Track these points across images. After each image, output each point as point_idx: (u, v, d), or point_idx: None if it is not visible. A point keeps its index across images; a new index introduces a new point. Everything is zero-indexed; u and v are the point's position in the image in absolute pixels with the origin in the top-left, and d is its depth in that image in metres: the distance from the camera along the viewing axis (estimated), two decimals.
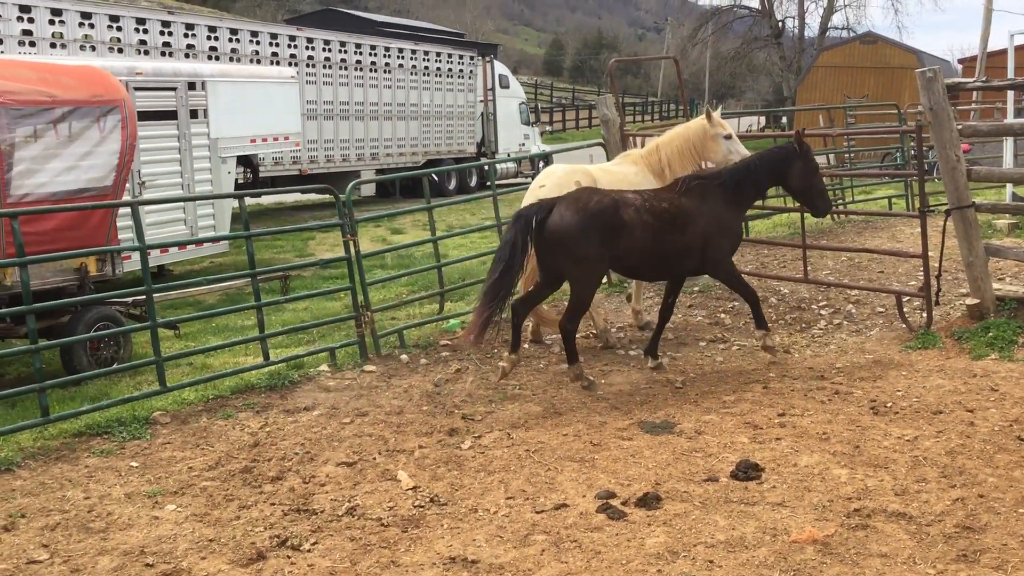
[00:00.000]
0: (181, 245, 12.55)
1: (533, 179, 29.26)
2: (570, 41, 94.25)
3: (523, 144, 30.02)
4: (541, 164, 29.47)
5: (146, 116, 11.81)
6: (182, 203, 12.63)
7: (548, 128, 45.57)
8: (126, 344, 8.98)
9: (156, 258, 12.20)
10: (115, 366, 8.43)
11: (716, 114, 9.00)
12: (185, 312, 10.55)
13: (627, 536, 4.99)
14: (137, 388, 8.12)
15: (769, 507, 5.27)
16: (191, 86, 12.94)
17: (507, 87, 29.70)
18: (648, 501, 5.37)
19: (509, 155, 28.25)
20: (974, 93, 23.44)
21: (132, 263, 10.30)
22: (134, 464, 6.38)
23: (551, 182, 8.74)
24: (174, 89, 12.67)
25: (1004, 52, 17.07)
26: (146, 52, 16.93)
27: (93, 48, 16.02)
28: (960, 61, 45.90)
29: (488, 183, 12.62)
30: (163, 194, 12.15)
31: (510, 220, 7.65)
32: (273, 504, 5.63)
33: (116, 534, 5.31)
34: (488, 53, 29.48)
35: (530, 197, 8.65)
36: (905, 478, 5.58)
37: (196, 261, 14.62)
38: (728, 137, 8.87)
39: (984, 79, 10.89)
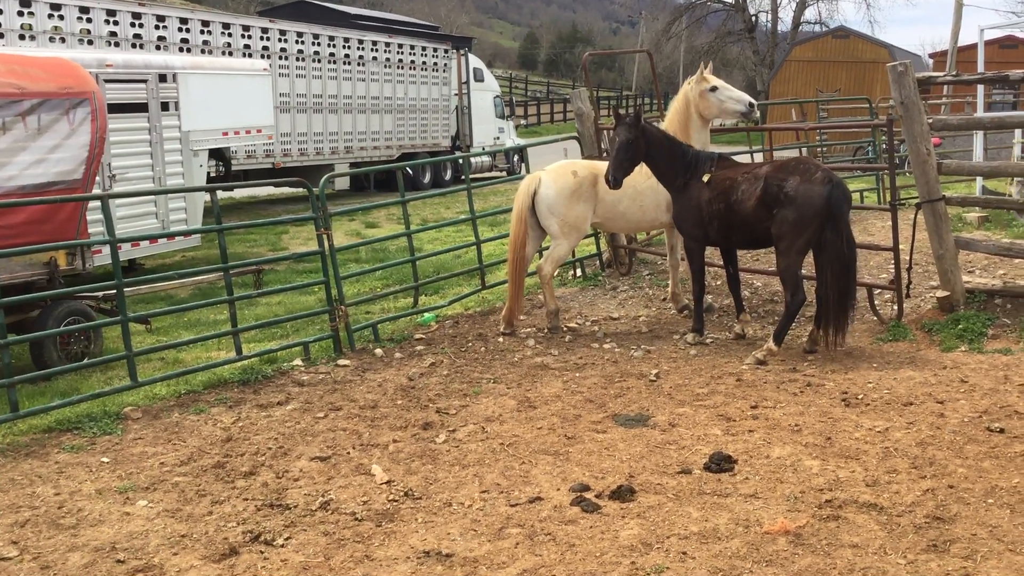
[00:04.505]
0: (152, 239, 12.44)
1: (507, 173, 29.06)
2: (545, 35, 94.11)
3: (498, 138, 29.98)
4: (515, 158, 29.48)
5: (116, 108, 11.68)
6: (153, 196, 12.52)
7: (523, 122, 45.56)
8: (97, 339, 8.90)
9: (127, 252, 12.09)
10: (86, 361, 8.37)
11: (707, 71, 9.25)
12: (156, 307, 10.46)
13: (601, 528, 5.01)
14: (108, 383, 8.05)
15: (742, 499, 5.30)
16: (162, 78, 12.82)
17: (482, 80, 29.64)
18: (622, 493, 5.39)
19: (484, 149, 28.20)
20: (945, 87, 23.66)
21: (102, 257, 10.21)
22: (105, 460, 6.33)
23: (552, 168, 9.44)
24: (145, 81, 12.54)
25: (974, 46, 17.24)
26: (116, 44, 16.74)
27: (63, 40, 15.83)
28: (931, 55, 46.30)
29: (463, 177, 12.60)
30: (134, 187, 12.03)
31: (829, 205, 7.86)
32: (246, 499, 5.61)
33: (87, 530, 5.26)
34: (462, 46, 29.38)
35: (550, 178, 9.30)
36: (876, 469, 5.63)
37: (168, 255, 14.50)
38: (714, 89, 9.20)
39: (955, 73, 10.98)
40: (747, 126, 10.64)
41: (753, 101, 9.27)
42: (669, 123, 9.33)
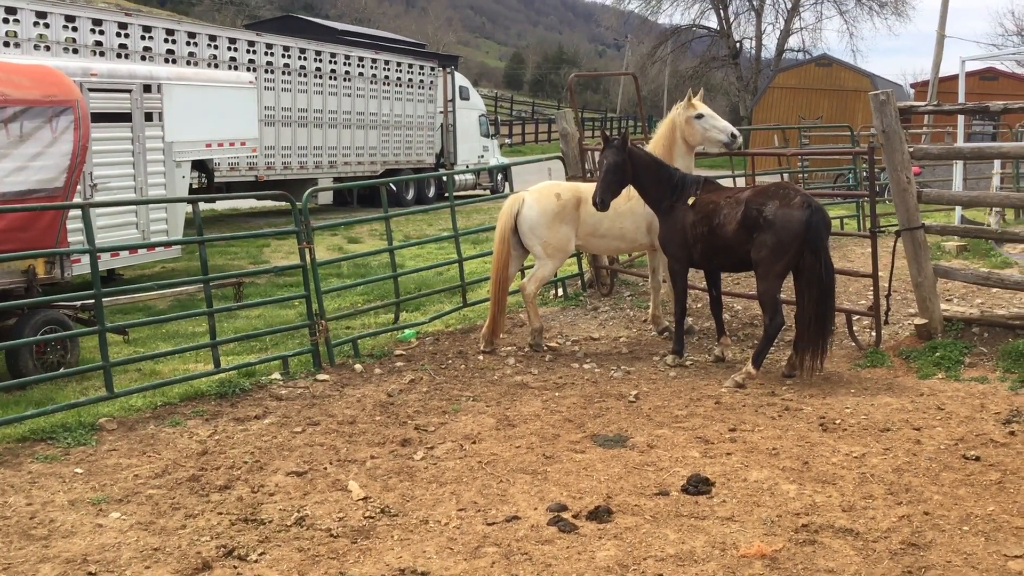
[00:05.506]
0: (132, 249, 12.37)
1: (491, 191, 29.11)
2: (531, 55, 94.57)
3: (482, 156, 30.03)
4: (499, 176, 29.53)
5: (100, 118, 11.63)
6: (134, 206, 12.47)
7: (507, 141, 45.66)
8: (73, 348, 8.83)
9: (106, 262, 12.01)
10: (62, 370, 8.30)
11: (696, 98, 9.23)
12: (135, 317, 10.39)
13: (578, 549, 4.99)
14: (84, 393, 7.99)
15: (719, 521, 5.30)
16: (146, 88, 12.78)
17: (467, 99, 29.71)
18: (599, 514, 5.38)
19: (468, 167, 28.24)
20: (926, 117, 23.93)
21: (82, 266, 10.13)
22: (78, 471, 6.27)
23: (536, 190, 9.47)
24: (129, 91, 12.51)
25: (955, 77, 17.47)
26: (102, 53, 16.69)
27: (48, 48, 15.77)
28: (912, 85, 46.85)
29: (446, 194, 12.61)
30: (115, 197, 11.98)
31: (807, 230, 7.87)
32: (220, 513, 5.56)
33: (58, 541, 5.20)
34: (449, 64, 29.48)
35: (537, 197, 9.33)
36: (852, 494, 5.64)
37: (147, 266, 14.42)
38: (699, 116, 9.17)
39: (936, 103, 11.09)
40: (730, 150, 10.56)
41: (736, 132, 9.30)
42: (654, 145, 9.37)
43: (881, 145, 8.81)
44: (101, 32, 16.81)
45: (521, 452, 6.49)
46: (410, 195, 26.44)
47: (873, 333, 9.10)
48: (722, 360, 8.87)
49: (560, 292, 11.89)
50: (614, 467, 6.16)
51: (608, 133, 8.77)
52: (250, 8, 63.23)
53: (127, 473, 6.23)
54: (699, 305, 10.82)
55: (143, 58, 17.51)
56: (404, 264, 13.88)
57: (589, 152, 11.92)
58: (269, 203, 24.17)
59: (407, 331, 10.00)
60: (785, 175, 17.91)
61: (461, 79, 29.97)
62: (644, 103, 15.30)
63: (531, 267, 9.79)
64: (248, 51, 20.63)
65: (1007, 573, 4.67)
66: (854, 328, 9.32)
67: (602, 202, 8.48)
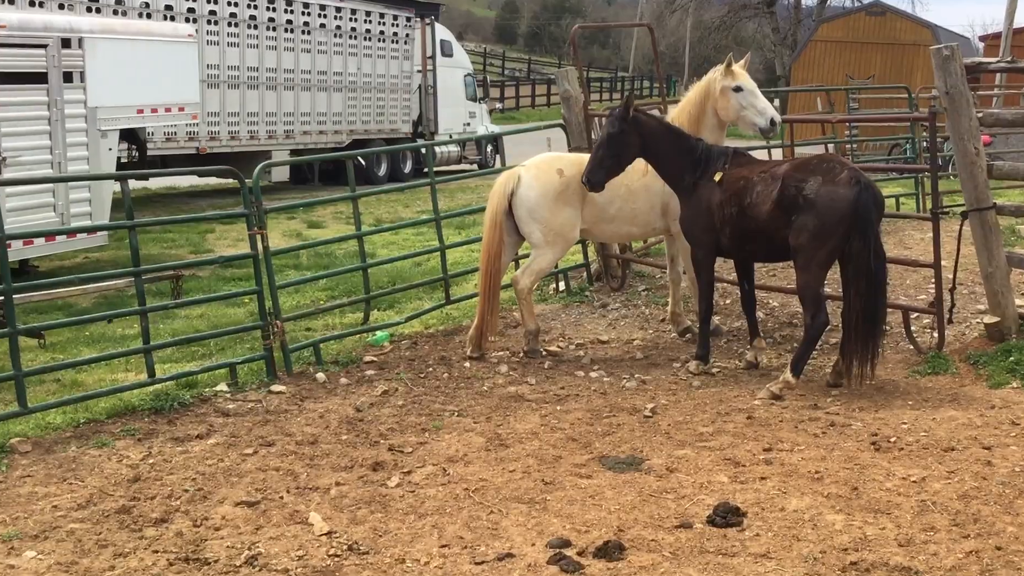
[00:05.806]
0: (49, 235, 12.35)
1: (479, 166, 29.10)
2: (526, 3, 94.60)
3: (468, 124, 30.03)
4: (489, 148, 29.53)
5: (9, 78, 11.63)
6: (52, 185, 12.44)
7: (499, 105, 45.67)
8: None
9: (18, 251, 11.98)
10: None
11: (737, 65, 9.16)
12: (52, 317, 10.38)
13: None
14: None
15: (751, 559, 5.31)
16: (65, 43, 12.75)
17: (450, 55, 29.70)
18: (609, 551, 5.39)
19: (451, 136, 28.23)
20: (997, 76, 23.93)
21: None
22: None
23: (534, 164, 9.50)
24: (45, 46, 12.48)
25: None
26: (11, 1, 16.64)
27: None
28: (982, 38, 46.90)
29: (425, 169, 12.62)
30: (28, 173, 11.95)
31: (855, 210, 7.83)
32: (156, 552, 5.56)
33: None
34: (428, 14, 29.43)
35: (534, 173, 9.33)
36: (910, 526, 5.66)
37: (67, 256, 14.41)
38: (738, 89, 9.10)
39: (1010, 59, 11.11)
40: (766, 137, 10.29)
41: (778, 118, 9.20)
42: (679, 113, 9.31)
43: (944, 109, 8.82)
44: None
45: (516, 477, 6.50)
46: (382, 171, 26.44)
47: (935, 334, 9.12)
48: (755, 366, 8.89)
49: (562, 286, 11.90)
50: (626, 495, 6.17)
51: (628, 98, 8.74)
52: None
53: (44, 504, 6.22)
54: (727, 301, 10.85)
55: (61, 7, 17.45)
56: (375, 253, 13.87)
57: (596, 119, 11.93)
58: (213, 180, 24.15)
59: (379, 333, 10.01)
60: (830, 146, 17.95)
61: (443, 32, 29.96)
62: (662, 60, 15.29)
63: (527, 256, 9.79)
64: None
65: None
66: (912, 328, 9.33)
67: (590, 182, 8.53)
